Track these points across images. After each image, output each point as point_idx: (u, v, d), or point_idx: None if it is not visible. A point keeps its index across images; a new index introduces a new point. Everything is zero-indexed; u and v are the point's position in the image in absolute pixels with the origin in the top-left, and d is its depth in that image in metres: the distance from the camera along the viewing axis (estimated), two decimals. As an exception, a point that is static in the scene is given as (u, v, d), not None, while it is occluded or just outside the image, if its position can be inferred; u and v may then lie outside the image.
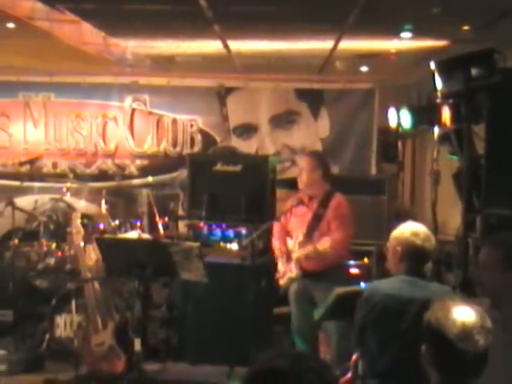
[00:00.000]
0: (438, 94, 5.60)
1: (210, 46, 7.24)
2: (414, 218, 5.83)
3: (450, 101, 5.73)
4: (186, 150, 10.25)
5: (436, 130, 6.32)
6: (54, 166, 10.38)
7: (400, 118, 6.80)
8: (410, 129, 6.84)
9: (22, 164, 9.36)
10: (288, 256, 6.79)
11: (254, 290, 6.81)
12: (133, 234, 7.80)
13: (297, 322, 6.93)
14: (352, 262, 7.66)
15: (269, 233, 7.10)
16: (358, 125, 10.17)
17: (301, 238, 6.75)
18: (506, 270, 3.78)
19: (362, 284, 7.29)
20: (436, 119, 6.00)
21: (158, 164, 10.33)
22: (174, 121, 10.36)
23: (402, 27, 6.03)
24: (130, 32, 6.83)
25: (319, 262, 6.69)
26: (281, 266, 6.83)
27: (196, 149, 10.33)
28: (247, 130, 10.37)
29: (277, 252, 6.91)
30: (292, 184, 7.12)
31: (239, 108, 10.37)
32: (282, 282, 6.82)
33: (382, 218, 8.33)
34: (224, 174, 7.46)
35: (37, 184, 9.73)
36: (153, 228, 8.36)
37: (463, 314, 2.80)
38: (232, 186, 7.36)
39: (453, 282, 5.85)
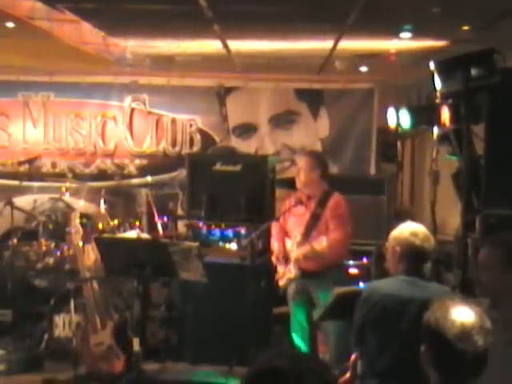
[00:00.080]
0: (438, 94, 5.60)
1: (210, 45, 7.24)
2: (413, 218, 5.84)
3: (450, 101, 5.73)
4: (186, 150, 10.25)
5: (435, 130, 6.31)
6: (53, 165, 10.38)
7: (399, 118, 6.79)
8: (409, 129, 6.83)
9: (21, 163, 9.36)
10: (287, 256, 6.79)
11: (253, 289, 6.80)
12: (132, 234, 7.80)
13: (296, 322, 6.93)
14: (351, 262, 7.66)
15: (268, 233, 7.10)
16: (357, 125, 10.18)
17: (298, 238, 6.76)
18: (505, 270, 3.78)
19: (361, 284, 7.31)
20: (435, 119, 5.99)
21: (157, 164, 10.33)
22: (174, 120, 10.36)
23: (401, 27, 6.03)
24: (130, 32, 6.83)
25: (317, 262, 6.69)
26: (280, 267, 6.84)
27: (195, 149, 10.33)
28: (247, 129, 10.37)
29: (275, 253, 6.91)
30: (291, 184, 7.11)
31: (239, 108, 10.37)
32: (281, 282, 6.83)
33: (382, 217, 8.33)
34: (223, 173, 7.45)
35: (36, 184, 9.74)
36: (152, 228, 8.36)
37: (462, 314, 2.80)
38: (231, 186, 7.36)
39: (452, 282, 5.85)
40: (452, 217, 6.84)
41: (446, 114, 5.78)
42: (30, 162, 9.17)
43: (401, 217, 8.10)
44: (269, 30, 6.44)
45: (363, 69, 8.84)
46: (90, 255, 7.34)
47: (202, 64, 8.66)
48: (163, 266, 6.19)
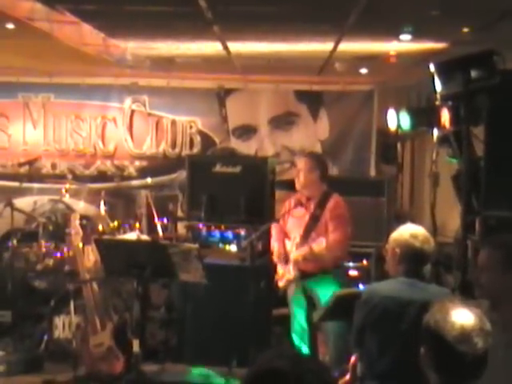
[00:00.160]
0: (438, 95, 5.60)
1: (210, 47, 7.24)
2: (413, 220, 5.84)
3: (450, 103, 5.74)
4: (185, 152, 10.25)
5: (435, 131, 6.32)
6: (53, 166, 10.40)
7: (399, 120, 6.80)
8: (409, 130, 6.84)
9: (21, 165, 9.36)
10: (286, 258, 6.79)
11: (253, 291, 6.80)
12: (132, 235, 7.80)
13: (296, 323, 6.93)
14: (351, 264, 7.66)
15: (268, 234, 7.10)
16: (357, 126, 10.18)
17: (298, 239, 6.76)
18: (505, 272, 3.78)
19: (361, 286, 7.32)
20: (435, 121, 6.00)
21: (157, 165, 10.34)
22: (174, 122, 10.37)
23: (401, 29, 6.03)
24: (130, 33, 6.83)
25: (316, 264, 6.70)
26: (280, 268, 6.85)
27: (195, 150, 10.34)
28: (246, 131, 10.37)
29: (275, 254, 6.92)
30: (291, 185, 7.11)
31: (239, 109, 10.38)
32: (280, 283, 6.83)
33: (381, 219, 8.33)
34: (223, 175, 7.45)
35: (36, 185, 9.75)
36: (152, 229, 8.36)
37: (462, 316, 2.80)
38: (231, 188, 7.36)
39: (452, 284, 5.85)
40: (452, 218, 6.84)
41: (445, 116, 5.79)
42: (30, 163, 9.17)
43: (400, 219, 8.12)
44: (269, 31, 6.44)
45: (363, 70, 8.84)
46: (90, 256, 7.34)
47: (202, 65, 8.66)
48: (163, 268, 6.19)
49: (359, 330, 4.49)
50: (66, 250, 7.89)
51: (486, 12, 5.28)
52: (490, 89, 5.25)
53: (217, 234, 7.73)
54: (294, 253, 6.74)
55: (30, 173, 9.31)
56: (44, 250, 8.00)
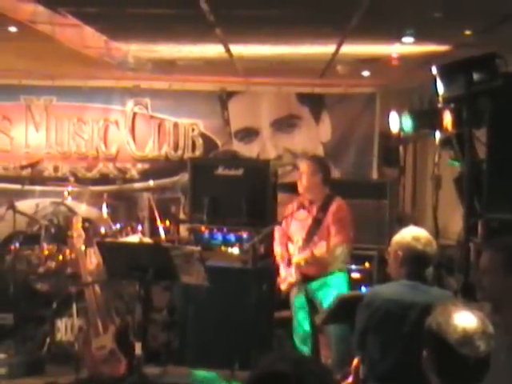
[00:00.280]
0: (440, 98, 5.60)
1: (212, 49, 7.24)
2: (415, 223, 5.84)
3: (452, 105, 5.73)
4: (188, 154, 10.25)
5: (437, 134, 6.31)
6: (56, 169, 10.40)
7: (401, 123, 6.79)
8: (411, 133, 6.83)
9: (23, 167, 9.36)
10: (289, 261, 6.80)
11: (255, 293, 6.80)
12: (134, 238, 7.80)
13: (298, 326, 6.93)
14: (353, 267, 7.65)
15: (270, 237, 7.10)
16: (359, 129, 10.18)
17: (300, 242, 6.76)
18: (507, 274, 3.78)
19: (363, 288, 7.32)
20: (437, 124, 6.00)
21: (159, 168, 10.33)
22: (176, 125, 10.37)
23: (403, 32, 6.03)
24: (132, 36, 6.83)
25: (318, 267, 6.70)
26: (282, 271, 6.85)
27: (197, 153, 10.34)
28: (249, 133, 10.37)
29: (278, 257, 6.92)
30: (293, 188, 7.12)
31: (241, 112, 10.38)
32: (283, 286, 6.84)
33: (383, 222, 8.33)
34: (225, 177, 7.47)
35: (38, 188, 9.74)
36: (154, 232, 8.36)
37: (464, 319, 2.79)
38: (233, 190, 7.37)
39: (454, 287, 5.84)
40: (454, 221, 6.84)
41: (448, 119, 5.78)
42: (32, 165, 9.18)
43: (403, 221, 8.12)
44: (271, 34, 6.44)
45: (365, 73, 8.84)
46: (92, 259, 7.34)
47: (204, 68, 8.66)
48: (165, 270, 6.19)
49: (361, 333, 4.49)
50: (68, 252, 7.89)
51: (488, 15, 5.28)
52: (493, 91, 5.25)
53: (219, 236, 7.73)
54: (296, 256, 6.74)
55: (32, 175, 9.32)
56: (46, 252, 8.00)
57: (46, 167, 10.24)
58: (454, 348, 2.74)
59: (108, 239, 7.79)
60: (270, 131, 10.33)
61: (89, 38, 6.70)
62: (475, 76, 5.22)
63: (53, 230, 8.26)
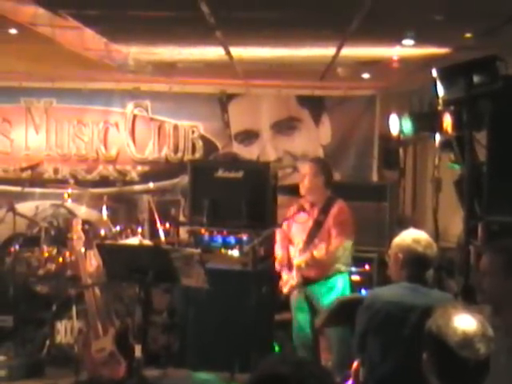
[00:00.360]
0: (440, 100, 5.60)
1: (212, 52, 7.23)
2: (416, 225, 5.83)
3: (452, 108, 5.73)
4: (188, 156, 10.26)
5: (437, 136, 6.31)
6: (55, 171, 10.39)
7: (401, 125, 6.79)
8: (411, 135, 6.83)
9: (23, 170, 9.38)
10: (290, 263, 6.79)
11: (255, 296, 6.81)
12: (134, 240, 7.80)
13: (298, 329, 6.93)
14: (353, 269, 7.65)
15: (270, 239, 7.10)
16: (359, 131, 10.18)
17: (301, 245, 6.76)
18: (507, 277, 3.78)
19: (363, 291, 7.32)
20: (437, 126, 5.99)
21: (159, 170, 10.34)
22: (176, 127, 10.37)
23: (404, 34, 6.03)
24: (132, 38, 6.83)
25: (318, 270, 6.70)
26: (284, 274, 6.85)
27: (197, 155, 10.34)
28: (249, 136, 10.37)
29: (279, 260, 6.92)
30: (293, 190, 7.12)
31: (241, 114, 10.38)
32: (284, 289, 6.84)
33: (384, 224, 8.33)
34: (225, 180, 7.47)
35: (38, 190, 9.74)
36: (154, 234, 8.37)
37: (464, 322, 2.79)
38: (233, 193, 7.37)
39: (454, 289, 5.83)
40: (454, 223, 6.83)
41: (448, 121, 5.78)
42: (32, 168, 9.19)
43: (403, 224, 8.11)
44: (271, 36, 6.44)
45: (365, 75, 8.84)
46: (92, 261, 7.34)
47: (204, 70, 8.66)
48: (165, 272, 6.18)
49: (361, 335, 4.49)
50: (67, 254, 7.89)
51: (488, 17, 5.27)
52: (493, 94, 5.24)
53: (219, 238, 7.73)
54: (297, 258, 6.74)
55: (32, 178, 9.33)
56: (46, 254, 8.00)
57: (46, 169, 10.24)
58: (454, 351, 2.73)
59: (108, 241, 7.79)
60: (270, 133, 10.33)
61: (89, 40, 6.70)
62: (475, 78, 5.22)
63: (53, 232, 8.26)
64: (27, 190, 9.40)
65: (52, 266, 7.96)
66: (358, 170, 10.13)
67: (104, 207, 8.53)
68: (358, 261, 7.63)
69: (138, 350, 6.15)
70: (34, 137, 10.40)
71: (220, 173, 7.52)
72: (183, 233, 8.73)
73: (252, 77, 9.52)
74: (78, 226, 7.21)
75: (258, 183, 7.44)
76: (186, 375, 7.31)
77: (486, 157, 5.47)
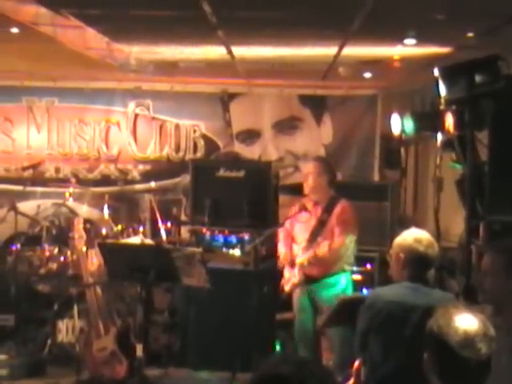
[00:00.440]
0: (442, 100, 5.59)
1: (214, 51, 7.23)
2: (417, 225, 5.82)
3: (454, 107, 5.72)
4: (189, 156, 10.25)
5: (439, 136, 6.30)
6: (57, 170, 10.39)
7: (403, 125, 6.78)
8: (412, 135, 6.82)
9: (24, 169, 9.37)
10: (293, 262, 6.79)
11: (256, 295, 6.80)
12: (135, 239, 7.80)
13: (299, 328, 6.93)
14: (354, 269, 7.64)
15: (272, 238, 7.10)
16: (361, 131, 10.17)
17: (304, 244, 6.76)
18: (509, 277, 3.77)
19: (365, 290, 7.31)
20: (439, 125, 5.98)
21: (160, 169, 10.33)
22: (177, 126, 10.36)
23: (405, 33, 6.02)
24: (134, 37, 6.83)
25: (321, 268, 6.70)
26: (286, 272, 6.85)
27: (199, 154, 10.33)
28: (250, 135, 10.37)
29: (282, 258, 6.92)
30: (295, 190, 7.12)
31: (242, 114, 10.37)
32: (286, 287, 6.83)
33: (385, 224, 8.33)
34: (227, 179, 7.47)
35: (39, 189, 9.74)
36: (155, 233, 8.36)
37: (465, 321, 2.79)
38: (235, 192, 7.37)
39: (456, 289, 5.83)
40: (456, 223, 6.83)
41: (449, 121, 5.77)
42: (34, 167, 9.18)
43: (404, 223, 8.10)
44: (273, 35, 6.43)
45: (367, 75, 8.83)
46: (94, 260, 7.34)
47: (206, 70, 8.66)
48: (166, 272, 6.19)
49: (363, 335, 4.49)
50: (69, 253, 7.89)
51: (490, 17, 5.27)
52: (495, 93, 5.24)
53: (220, 238, 7.73)
54: (300, 257, 6.74)
55: (34, 177, 9.32)
56: (47, 253, 8.00)
57: (47, 168, 10.23)
58: (455, 350, 2.73)
59: (109, 240, 7.79)
60: (271, 133, 10.32)
61: (91, 39, 6.70)
62: (477, 78, 5.21)
63: (54, 232, 8.27)
64: (29, 189, 9.39)
65: (53, 265, 7.96)
66: (360, 170, 10.13)
67: (105, 206, 8.53)
68: (359, 260, 7.62)
69: (139, 350, 6.16)
70: (36, 136, 10.40)
71: (221, 172, 7.53)
72: (185, 232, 8.74)
73: (254, 76, 9.52)
74: (79, 225, 7.22)
75: (260, 183, 7.44)
76: (187, 375, 7.31)
77: (488, 156, 5.47)
